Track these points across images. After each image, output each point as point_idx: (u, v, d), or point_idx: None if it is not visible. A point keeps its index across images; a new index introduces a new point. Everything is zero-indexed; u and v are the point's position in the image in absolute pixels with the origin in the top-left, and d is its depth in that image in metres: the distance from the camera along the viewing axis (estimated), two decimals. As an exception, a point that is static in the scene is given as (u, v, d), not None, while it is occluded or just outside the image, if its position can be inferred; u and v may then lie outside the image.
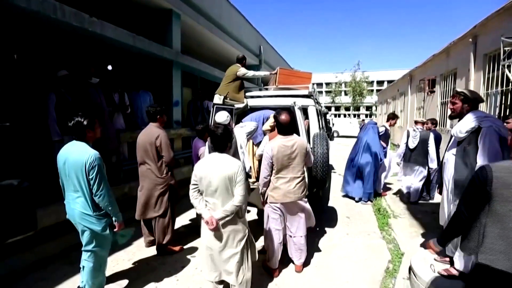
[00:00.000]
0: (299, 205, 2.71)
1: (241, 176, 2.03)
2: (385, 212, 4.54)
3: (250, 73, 3.82)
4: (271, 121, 3.46)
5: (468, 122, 2.22)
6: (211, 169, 2.03)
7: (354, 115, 37.43)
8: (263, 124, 3.56)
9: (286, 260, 2.90)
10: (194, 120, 6.48)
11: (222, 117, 3.06)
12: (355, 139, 5.57)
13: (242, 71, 3.76)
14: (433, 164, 4.63)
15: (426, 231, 3.78)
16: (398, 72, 31.56)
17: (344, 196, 5.42)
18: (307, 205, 2.78)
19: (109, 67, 5.84)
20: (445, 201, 2.46)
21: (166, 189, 3.08)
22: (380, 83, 44.17)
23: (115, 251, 3.22)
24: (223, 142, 2.11)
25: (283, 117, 2.61)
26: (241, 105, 3.75)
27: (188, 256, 3.17)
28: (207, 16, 6.83)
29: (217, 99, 3.75)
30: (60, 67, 4.07)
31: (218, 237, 2.07)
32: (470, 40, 6.52)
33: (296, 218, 2.75)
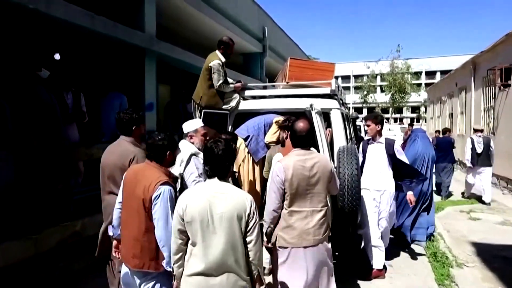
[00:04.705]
0: (322, 250, 2.59)
1: (255, 217, 2.03)
2: (444, 258, 4.46)
3: (222, 79, 3.76)
4: (274, 130, 3.41)
5: None
6: (209, 204, 1.96)
7: (395, 120, 37.35)
8: (264, 133, 3.56)
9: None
10: (173, 128, 6.42)
11: (190, 126, 3.08)
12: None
13: (215, 63, 3.73)
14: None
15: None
16: (455, 59, 31.74)
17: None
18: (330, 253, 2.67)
19: (57, 56, 5.84)
20: None
21: None
22: (430, 74, 44.29)
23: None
24: (224, 164, 2.08)
25: (301, 124, 2.60)
26: (232, 105, 3.80)
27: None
28: (194, -11, 6.91)
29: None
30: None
31: None
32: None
33: (318, 269, 2.60)
